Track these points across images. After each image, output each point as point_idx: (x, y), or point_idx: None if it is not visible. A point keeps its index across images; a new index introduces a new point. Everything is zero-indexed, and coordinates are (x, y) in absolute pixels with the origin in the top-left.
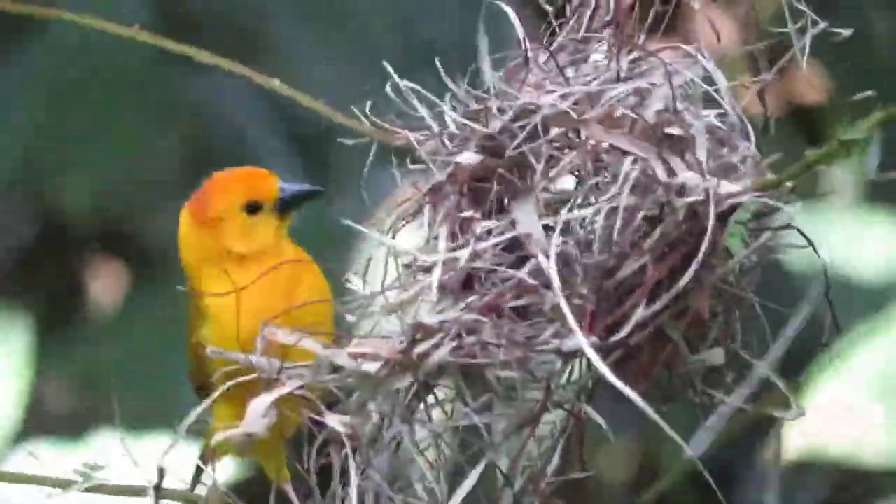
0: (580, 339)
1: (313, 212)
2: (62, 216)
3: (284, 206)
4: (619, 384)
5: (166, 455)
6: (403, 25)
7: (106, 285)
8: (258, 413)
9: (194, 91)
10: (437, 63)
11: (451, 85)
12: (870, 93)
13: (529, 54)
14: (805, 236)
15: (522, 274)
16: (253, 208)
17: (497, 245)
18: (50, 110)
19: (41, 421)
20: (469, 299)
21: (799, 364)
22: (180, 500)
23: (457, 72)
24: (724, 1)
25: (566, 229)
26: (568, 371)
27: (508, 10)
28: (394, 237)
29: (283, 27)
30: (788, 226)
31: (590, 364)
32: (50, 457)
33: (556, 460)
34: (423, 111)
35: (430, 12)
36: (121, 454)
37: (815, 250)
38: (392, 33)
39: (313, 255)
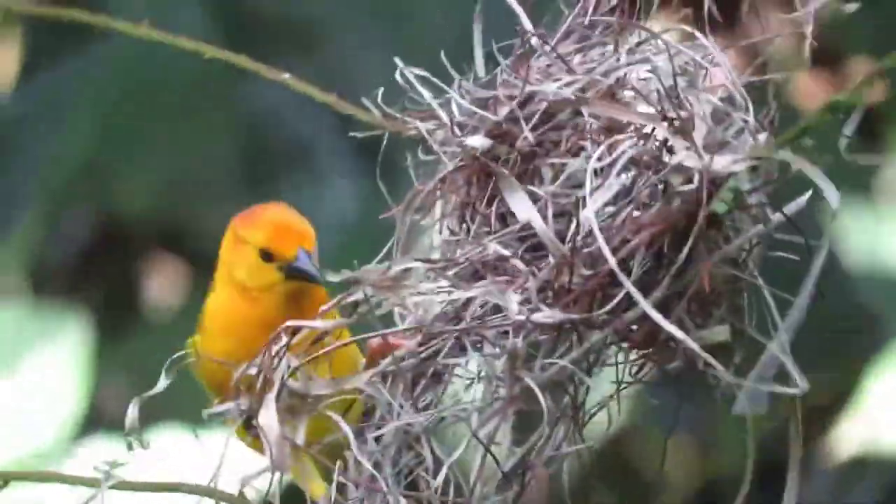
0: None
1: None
2: (122, 218)
3: (289, 272)
4: (659, 318)
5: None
6: (461, 19)
7: (165, 285)
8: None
9: (251, 93)
10: (442, 55)
11: (454, 74)
12: None
13: (534, 42)
14: (795, 225)
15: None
16: (265, 256)
17: (505, 234)
18: (110, 116)
19: (101, 419)
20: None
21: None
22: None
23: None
24: None
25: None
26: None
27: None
28: (410, 230)
29: (337, 26)
30: (787, 217)
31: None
32: (109, 455)
33: (557, 438)
34: (431, 101)
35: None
36: (178, 451)
37: (805, 239)
38: (452, 28)
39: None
